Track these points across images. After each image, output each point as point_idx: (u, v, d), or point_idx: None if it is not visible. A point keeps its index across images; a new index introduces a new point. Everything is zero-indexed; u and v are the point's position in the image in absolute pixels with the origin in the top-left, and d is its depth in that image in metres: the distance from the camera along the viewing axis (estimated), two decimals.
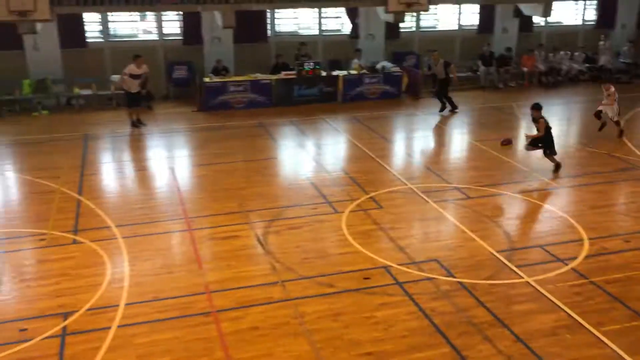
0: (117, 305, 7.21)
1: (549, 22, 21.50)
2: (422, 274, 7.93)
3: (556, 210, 10.02)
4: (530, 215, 10.15)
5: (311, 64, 17.40)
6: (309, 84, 17.40)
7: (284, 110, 16.72)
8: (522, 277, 7.83)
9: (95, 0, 15.22)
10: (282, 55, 17.90)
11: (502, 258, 8.34)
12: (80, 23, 16.87)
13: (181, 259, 8.54)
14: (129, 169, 12.77)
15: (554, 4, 19.12)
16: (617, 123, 13.85)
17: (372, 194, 10.66)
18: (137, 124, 14.96)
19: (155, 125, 15.32)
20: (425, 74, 18.07)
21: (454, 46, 20.68)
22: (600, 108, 13.95)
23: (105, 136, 14.53)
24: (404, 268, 8.05)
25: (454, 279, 7.77)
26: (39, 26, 14.93)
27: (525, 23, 20.89)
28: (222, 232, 9.26)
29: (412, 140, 15.09)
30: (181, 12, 17.47)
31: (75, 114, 16.43)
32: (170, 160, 13.10)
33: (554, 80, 20.13)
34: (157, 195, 11.08)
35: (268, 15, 18.58)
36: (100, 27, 17.47)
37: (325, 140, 14.58)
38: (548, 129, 11.62)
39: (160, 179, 11.95)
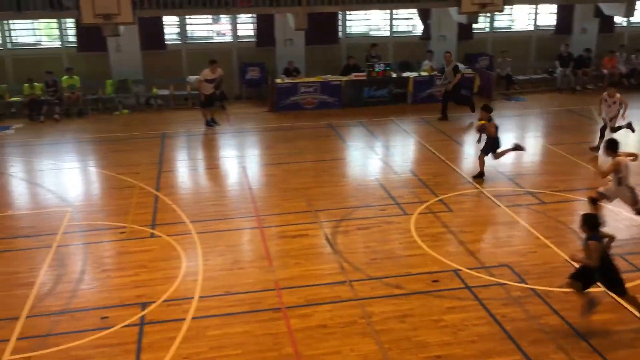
0: (192, 298, 7.49)
1: (631, 22, 20.57)
2: (493, 279, 7.80)
3: (636, 217, 9.59)
4: (609, 223, 9.76)
5: (381, 65, 17.40)
6: (378, 86, 17.40)
7: (353, 111, 16.79)
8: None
9: (174, 3, 15.79)
10: (354, 57, 17.97)
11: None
12: (159, 26, 17.55)
13: (252, 255, 8.77)
14: (203, 166, 13.19)
15: (638, 4, 18.27)
16: (612, 129, 12.61)
17: (442, 197, 10.56)
18: (211, 123, 15.41)
19: (228, 124, 15.74)
20: (439, 79, 17.14)
21: (529, 47, 20.15)
22: (603, 117, 12.93)
23: (181, 135, 15.05)
24: (473, 272, 7.94)
25: (526, 286, 7.60)
26: (122, 29, 15.64)
27: (606, 23, 20.07)
28: (291, 230, 9.43)
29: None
30: (255, 15, 17.85)
31: (154, 113, 17.11)
32: (242, 159, 13.43)
33: (636, 82, 19.23)
34: (229, 192, 11.39)
35: (339, 17, 18.71)
36: (178, 30, 18.10)
37: (394, 141, 14.54)
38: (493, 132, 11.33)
39: (232, 177, 12.30)
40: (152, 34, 17.40)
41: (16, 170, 12.74)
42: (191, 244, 8.98)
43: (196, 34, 18.70)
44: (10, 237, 9.39)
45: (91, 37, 16.53)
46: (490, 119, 11.39)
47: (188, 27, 18.27)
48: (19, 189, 11.88)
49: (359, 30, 19.66)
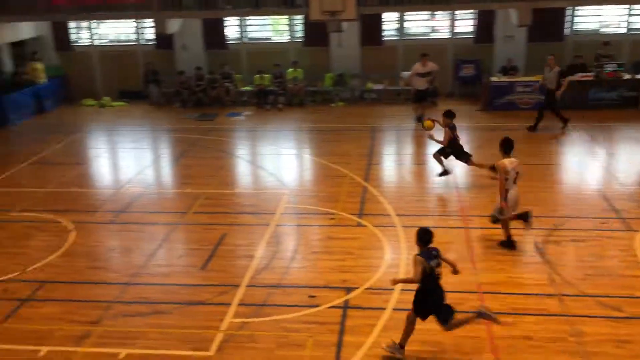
0: (392, 289, 7.64)
1: None
2: None
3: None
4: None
5: (613, 65, 15.90)
6: (607, 88, 15.93)
7: (574, 114, 15.51)
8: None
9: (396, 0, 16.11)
10: (581, 55, 16.67)
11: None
12: (378, 22, 18.04)
13: (455, 255, 8.59)
14: (410, 162, 13.32)
15: None
16: None
17: None
18: (420, 119, 15.45)
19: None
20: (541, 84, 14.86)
21: None
22: None
23: (391, 129, 15.35)
24: None
25: None
26: (344, 25, 16.39)
27: None
28: (498, 234, 9.07)
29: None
30: (476, 11, 17.45)
31: (366, 107, 17.68)
32: (451, 157, 13.23)
33: None
34: (435, 190, 11.36)
35: (567, 12, 17.46)
36: (397, 26, 18.42)
37: (621, 149, 13.23)
38: (452, 140, 10.81)
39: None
40: (371, 30, 17.95)
41: (243, 152, 14.14)
42: (394, 236, 9.16)
43: (413, 30, 18.85)
44: (235, 213, 10.46)
45: (316, 33, 17.60)
46: (451, 126, 10.85)
47: (406, 24, 18.49)
48: (244, 169, 13.18)
49: (588, 26, 18.13)
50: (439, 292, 6.19)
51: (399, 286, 7.67)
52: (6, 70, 17.99)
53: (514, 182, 8.48)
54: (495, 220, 8.68)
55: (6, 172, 12.78)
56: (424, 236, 6.17)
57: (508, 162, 8.43)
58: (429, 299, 6.17)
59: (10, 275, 8.36)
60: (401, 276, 6.21)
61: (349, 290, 7.65)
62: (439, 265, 6.14)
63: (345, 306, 7.29)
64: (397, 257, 8.49)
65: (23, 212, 10.54)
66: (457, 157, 11.19)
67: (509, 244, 8.64)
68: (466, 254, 8.55)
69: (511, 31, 17.22)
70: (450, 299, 7.36)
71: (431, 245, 6.18)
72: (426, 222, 9.51)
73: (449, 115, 11.13)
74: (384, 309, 7.23)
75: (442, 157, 11.26)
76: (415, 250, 6.24)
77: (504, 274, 7.94)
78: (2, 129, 16.15)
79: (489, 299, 7.34)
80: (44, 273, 8.43)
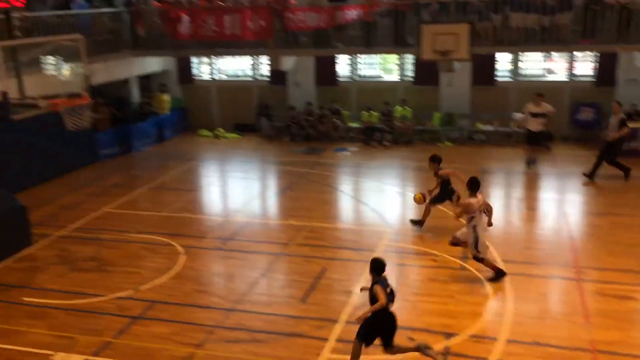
0: (496, 339, 7.33)
1: None
2: None
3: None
4: None
5: None
6: None
7: None
8: None
9: (510, 40, 15.77)
10: None
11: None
12: (492, 62, 17.71)
13: (566, 308, 8.18)
14: (520, 207, 12.80)
15: None
16: None
17: None
18: (530, 163, 14.88)
19: (551, 166, 14.99)
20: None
21: None
22: None
23: (500, 171, 14.88)
24: None
25: None
26: (456, 65, 16.23)
27: None
28: (614, 289, 8.51)
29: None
30: (597, 53, 16.71)
31: (475, 148, 17.27)
32: (564, 204, 12.61)
33: None
34: (546, 237, 10.81)
35: None
36: (510, 67, 18.00)
37: None
38: (446, 182, 10.83)
39: (550, 222, 11.65)
40: (483, 70, 17.64)
41: (347, 188, 14.26)
42: (500, 283, 8.79)
43: (527, 72, 18.32)
44: (336, 247, 10.51)
45: (426, 72, 17.57)
46: (439, 169, 10.90)
47: (520, 64, 18.02)
48: (347, 204, 13.28)
49: None
50: (392, 318, 6.53)
51: (504, 336, 7.36)
52: (134, 101, 19.45)
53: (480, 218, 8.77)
54: (477, 258, 8.86)
55: (128, 195, 13.70)
56: (378, 266, 6.52)
57: (475, 201, 8.69)
58: (383, 325, 6.52)
59: (124, 293, 8.89)
60: (361, 311, 6.55)
61: (448, 335, 7.40)
62: (391, 292, 6.47)
63: (446, 352, 7.04)
64: (501, 306, 8.13)
65: (139, 233, 11.21)
66: (437, 200, 11.02)
67: (499, 275, 8.83)
68: (579, 308, 8.03)
69: (635, 74, 16.29)
70: (559, 354, 6.97)
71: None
72: (535, 270, 9.18)
73: (437, 159, 11.06)
74: (486, 358, 6.93)
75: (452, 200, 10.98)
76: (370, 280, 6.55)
77: (621, 333, 7.38)
78: (127, 155, 17.38)
79: (603, 359, 6.83)
80: (154, 293, 8.88)
